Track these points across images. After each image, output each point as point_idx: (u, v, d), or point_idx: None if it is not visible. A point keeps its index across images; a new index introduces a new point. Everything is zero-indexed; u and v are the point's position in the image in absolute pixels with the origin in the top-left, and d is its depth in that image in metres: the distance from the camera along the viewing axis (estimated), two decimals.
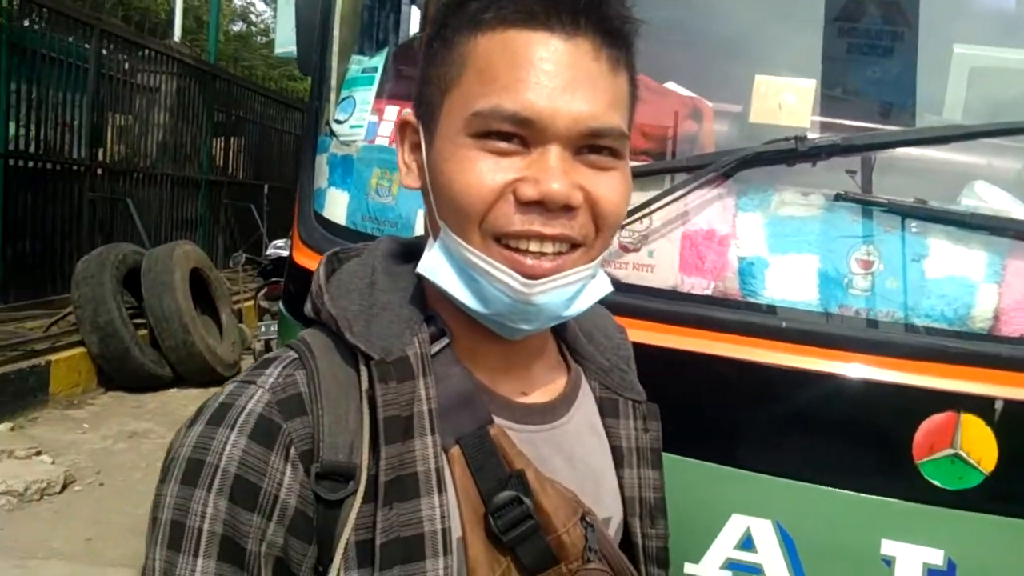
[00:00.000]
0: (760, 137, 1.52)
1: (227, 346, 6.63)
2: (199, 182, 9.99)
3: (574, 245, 0.71)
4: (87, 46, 7.41)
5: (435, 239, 0.75)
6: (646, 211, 1.47)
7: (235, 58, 19.91)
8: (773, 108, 1.57)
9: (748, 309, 1.48)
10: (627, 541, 0.88)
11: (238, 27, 26.69)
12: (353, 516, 0.68)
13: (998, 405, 1.37)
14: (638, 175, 1.55)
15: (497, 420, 0.76)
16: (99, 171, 7.87)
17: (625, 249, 1.56)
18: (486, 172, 0.68)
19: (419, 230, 1.71)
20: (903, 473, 1.39)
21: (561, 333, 0.89)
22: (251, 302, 7.32)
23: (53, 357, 5.52)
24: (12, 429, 4.89)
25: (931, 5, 1.82)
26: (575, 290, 0.73)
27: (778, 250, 1.49)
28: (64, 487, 4.16)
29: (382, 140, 1.81)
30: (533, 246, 0.70)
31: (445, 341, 0.76)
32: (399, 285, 0.78)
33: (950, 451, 1.38)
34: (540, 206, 0.68)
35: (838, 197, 1.49)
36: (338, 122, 1.88)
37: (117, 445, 4.90)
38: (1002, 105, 1.92)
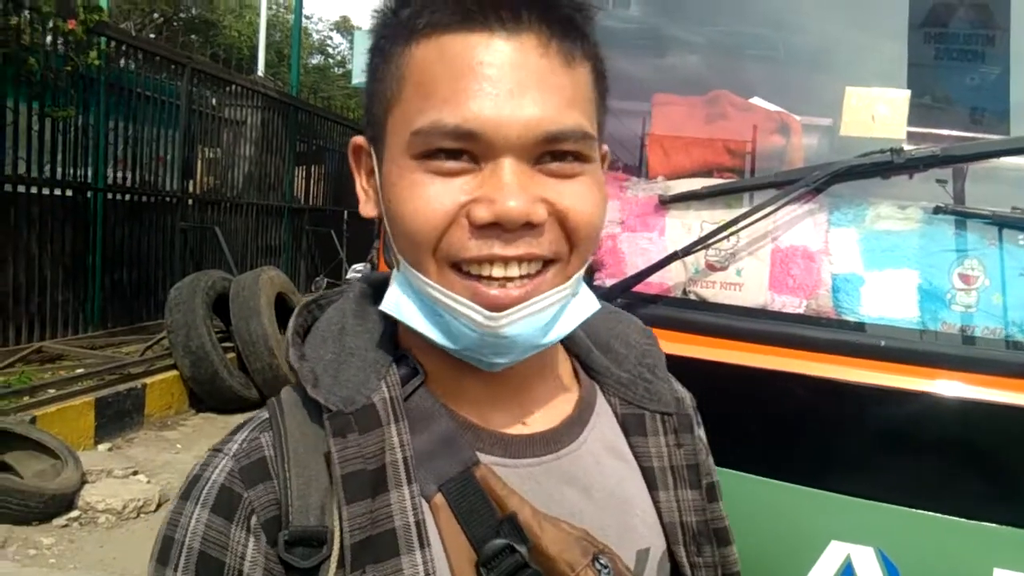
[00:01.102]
0: (851, 150, 1.48)
1: None
2: (282, 210, 10.35)
3: (547, 263, 0.64)
4: (179, 84, 7.80)
5: (397, 272, 0.69)
6: (735, 228, 1.45)
7: (314, 90, 20.61)
8: (865, 120, 1.52)
9: (843, 328, 1.44)
10: (676, 572, 0.78)
11: (316, 60, 27.63)
12: None
13: None
14: (727, 192, 1.54)
15: (485, 458, 0.69)
16: (190, 202, 8.24)
17: (712, 268, 1.54)
18: (434, 197, 0.62)
19: None
20: (1016, 498, 1.32)
21: (571, 348, 0.80)
22: None
23: (148, 380, 5.78)
24: (110, 449, 5.12)
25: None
26: (552, 314, 0.66)
27: (874, 266, 1.44)
28: (159, 505, 4.33)
29: None
30: (496, 271, 0.63)
31: (418, 381, 0.70)
32: (367, 327, 0.72)
33: None
34: (498, 228, 0.61)
35: (938, 210, 1.44)
36: None
37: None
38: None
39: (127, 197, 7.34)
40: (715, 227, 1.47)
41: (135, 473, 4.63)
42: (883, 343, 1.40)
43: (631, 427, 0.78)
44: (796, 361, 1.39)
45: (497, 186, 0.61)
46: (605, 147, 0.74)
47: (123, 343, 6.85)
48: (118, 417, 5.37)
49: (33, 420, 4.57)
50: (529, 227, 0.62)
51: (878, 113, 1.52)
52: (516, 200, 0.60)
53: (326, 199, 12.18)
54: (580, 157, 0.64)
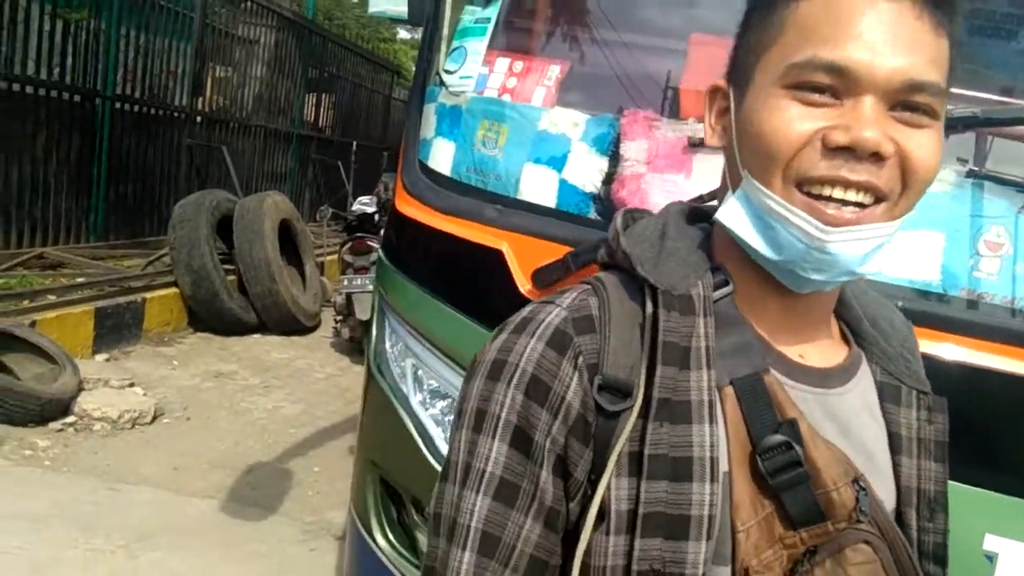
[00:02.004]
0: None
1: (309, 297, 6.81)
2: (290, 136, 10.23)
3: (878, 199, 0.71)
4: None
5: (733, 191, 0.78)
6: None
7: (329, 16, 20.19)
8: None
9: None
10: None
11: None
12: (628, 428, 0.73)
13: None
14: None
15: (774, 372, 0.77)
16: (198, 119, 8.14)
17: None
18: (795, 119, 0.70)
19: (523, 183, 1.70)
20: (1012, 467, 1.32)
21: (844, 315, 0.88)
22: (334, 256, 7.50)
23: (148, 295, 5.78)
24: (108, 360, 5.15)
25: None
26: (872, 246, 0.73)
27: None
28: (154, 418, 4.37)
29: (491, 92, 1.80)
30: (837, 192, 0.70)
31: (728, 289, 0.79)
32: (688, 236, 0.83)
33: None
34: (849, 152, 0.69)
35: (970, 174, 1.41)
36: (448, 72, 1.87)
37: (204, 383, 5.11)
38: None
39: (135, 108, 7.25)
40: None
41: (131, 385, 4.67)
42: (900, 304, 1.39)
43: (887, 394, 0.85)
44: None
45: (857, 117, 0.69)
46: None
47: (125, 256, 6.84)
48: (116, 329, 5.38)
49: (33, 324, 4.58)
50: (876, 158, 0.69)
51: None
52: (872, 131, 0.68)
53: (335, 129, 12.03)
54: (929, 112, 0.71)
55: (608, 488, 0.73)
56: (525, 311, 0.79)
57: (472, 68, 1.84)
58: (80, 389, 4.30)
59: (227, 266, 6.30)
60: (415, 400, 1.78)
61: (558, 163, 1.68)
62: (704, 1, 1.92)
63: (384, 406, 1.84)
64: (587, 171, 1.66)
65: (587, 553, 0.73)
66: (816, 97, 0.70)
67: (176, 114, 7.76)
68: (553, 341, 0.75)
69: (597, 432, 0.74)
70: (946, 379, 1.35)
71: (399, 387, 1.82)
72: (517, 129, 1.73)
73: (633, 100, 1.71)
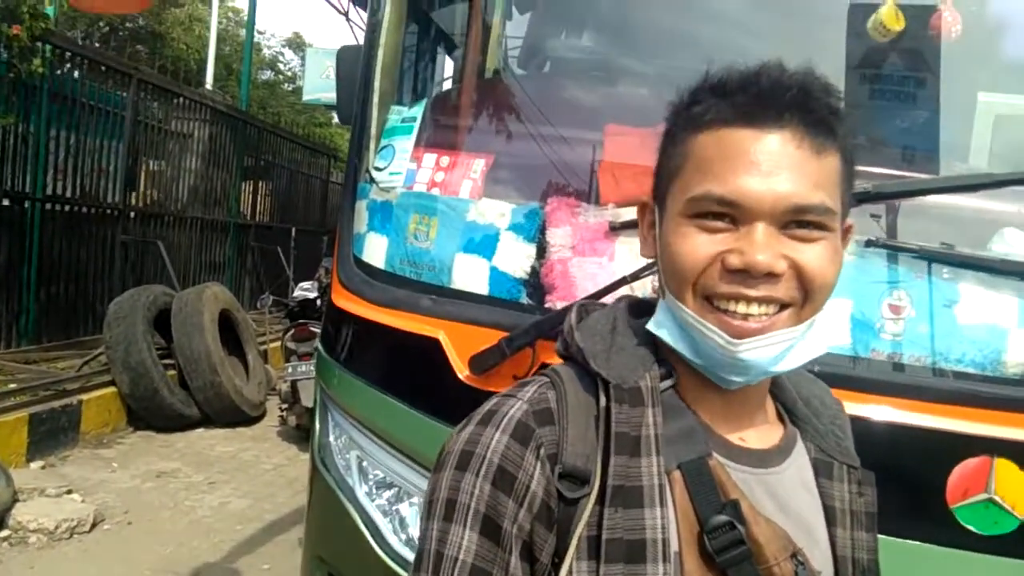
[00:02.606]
0: None
1: (253, 386, 6.69)
2: (228, 225, 10.18)
3: (783, 306, 0.79)
4: (124, 94, 7.65)
5: (662, 301, 0.88)
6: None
7: (263, 105, 20.37)
8: None
9: None
10: None
11: (266, 75, 27.35)
12: (587, 514, 0.79)
13: None
14: None
15: (715, 455, 0.83)
16: (132, 215, 8.06)
17: (657, 293, 1.60)
18: (700, 245, 0.80)
19: (456, 272, 1.76)
20: (937, 518, 1.39)
21: (779, 396, 0.95)
22: (277, 343, 7.41)
23: (84, 397, 5.61)
24: (43, 467, 4.95)
25: (955, 53, 1.86)
26: (782, 349, 0.81)
27: None
28: (93, 526, 4.20)
29: (420, 187, 1.88)
30: (740, 307, 0.79)
31: (672, 381, 0.87)
32: (636, 331, 0.89)
33: (984, 496, 1.39)
34: (745, 274, 0.78)
35: (869, 243, 1.52)
36: (378, 169, 1.95)
37: (145, 484, 4.94)
38: None
39: (66, 207, 7.16)
40: None
41: (69, 492, 4.49)
42: (816, 369, 1.47)
43: (821, 470, 0.92)
44: None
45: (750, 242, 0.77)
46: (850, 222, 0.88)
47: (59, 358, 6.64)
48: (52, 434, 5.20)
49: None
50: (770, 276, 0.78)
51: None
52: (763, 255, 0.77)
53: (273, 215, 12.03)
54: (820, 227, 0.79)
55: (570, 571, 0.78)
56: (489, 404, 0.86)
57: (400, 164, 1.92)
58: (14, 500, 4.11)
59: (166, 361, 6.17)
60: (361, 492, 1.79)
61: (488, 252, 1.75)
62: (617, 95, 2.05)
63: (330, 499, 1.84)
64: (516, 258, 1.73)
65: None
66: (715, 224, 0.79)
67: (109, 211, 7.68)
68: (516, 433, 0.81)
69: (559, 518, 0.80)
70: (862, 435, 1.44)
71: (344, 480, 1.83)
72: (447, 221, 1.80)
73: (556, 188, 1.81)
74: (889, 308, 1.50)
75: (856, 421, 1.40)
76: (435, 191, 1.86)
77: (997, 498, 1.39)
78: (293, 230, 9.80)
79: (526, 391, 0.85)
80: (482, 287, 1.73)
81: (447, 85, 2.45)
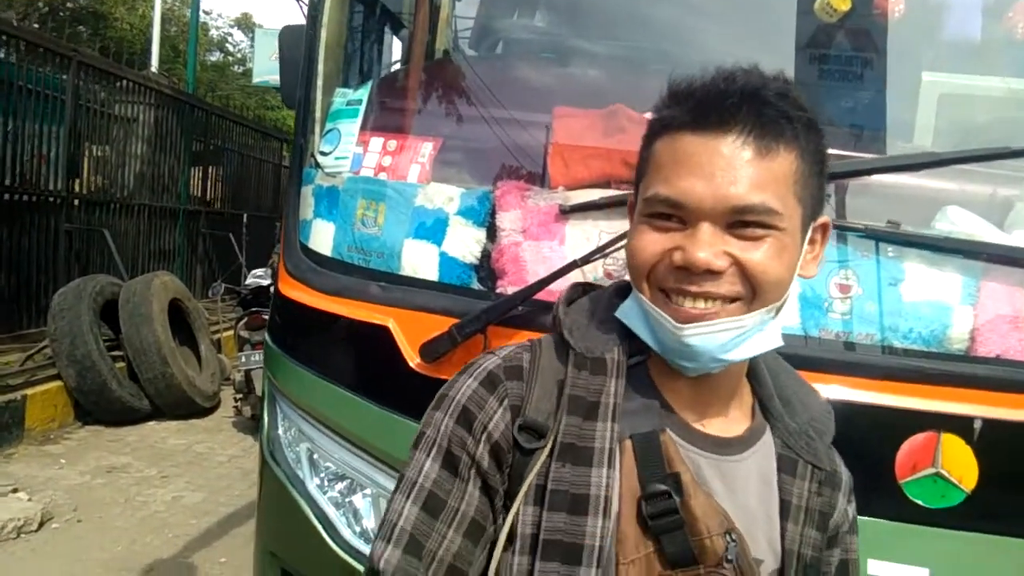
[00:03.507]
0: None
1: (206, 377, 6.57)
2: (177, 212, 9.93)
3: (733, 300, 0.85)
4: (64, 77, 7.38)
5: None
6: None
7: (212, 88, 19.89)
8: None
9: None
10: None
11: (215, 57, 26.72)
12: (538, 464, 0.86)
13: (977, 424, 1.40)
14: (624, 203, 1.59)
15: (670, 432, 0.89)
16: (76, 202, 7.81)
17: (610, 276, 1.58)
18: (650, 242, 0.86)
19: (404, 258, 1.72)
20: (887, 493, 1.42)
21: (757, 391, 0.99)
22: (230, 332, 7.28)
23: (29, 391, 5.44)
24: None
25: (900, 33, 1.87)
26: (730, 337, 0.86)
27: None
28: (41, 524, 4.08)
29: (367, 171, 1.83)
30: (686, 302, 0.85)
31: (642, 358, 0.93)
32: (615, 314, 0.95)
33: (932, 470, 1.41)
34: (687, 270, 0.83)
35: None
36: (323, 154, 1.90)
37: (95, 480, 4.82)
38: (971, 131, 1.97)
39: (5, 196, 6.90)
40: (613, 236, 1.52)
41: (14, 490, 4.35)
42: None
43: (784, 466, 0.96)
44: None
45: (693, 241, 0.83)
46: (826, 219, 0.93)
47: (2, 352, 6.42)
48: None
49: None
50: (710, 273, 0.83)
51: None
52: (704, 252, 0.82)
53: (225, 201, 11.78)
54: (764, 225, 0.83)
55: (518, 514, 0.86)
56: (475, 360, 0.95)
57: (346, 149, 1.87)
58: None
59: (115, 353, 6.02)
60: (312, 485, 1.75)
61: (437, 237, 1.71)
62: (568, 76, 2.03)
63: (280, 493, 1.80)
64: (466, 243, 1.70)
65: (497, 571, 0.86)
66: (665, 223, 0.86)
67: (51, 199, 7.42)
68: (485, 381, 0.91)
69: (514, 464, 0.88)
70: None
71: (295, 473, 1.79)
72: (395, 206, 1.76)
73: (505, 172, 1.78)
74: (837, 287, 1.51)
75: None
76: (382, 176, 1.82)
77: (944, 472, 1.41)
78: (245, 216, 9.59)
79: (505, 350, 0.95)
80: (432, 273, 1.70)
81: (395, 67, 2.40)
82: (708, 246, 0.82)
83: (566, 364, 0.91)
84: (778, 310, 0.90)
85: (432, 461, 0.89)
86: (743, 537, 0.87)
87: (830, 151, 1.72)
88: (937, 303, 1.48)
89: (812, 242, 0.92)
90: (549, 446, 0.86)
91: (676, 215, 0.85)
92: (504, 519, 0.87)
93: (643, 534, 0.85)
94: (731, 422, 0.95)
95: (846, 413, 1.45)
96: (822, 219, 0.92)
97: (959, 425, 1.40)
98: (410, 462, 0.91)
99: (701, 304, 0.84)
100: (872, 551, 1.42)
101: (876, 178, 1.62)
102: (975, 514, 1.40)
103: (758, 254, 0.83)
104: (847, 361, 1.48)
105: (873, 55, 1.94)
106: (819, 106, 1.89)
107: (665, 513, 0.84)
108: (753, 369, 0.99)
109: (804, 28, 1.89)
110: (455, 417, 0.90)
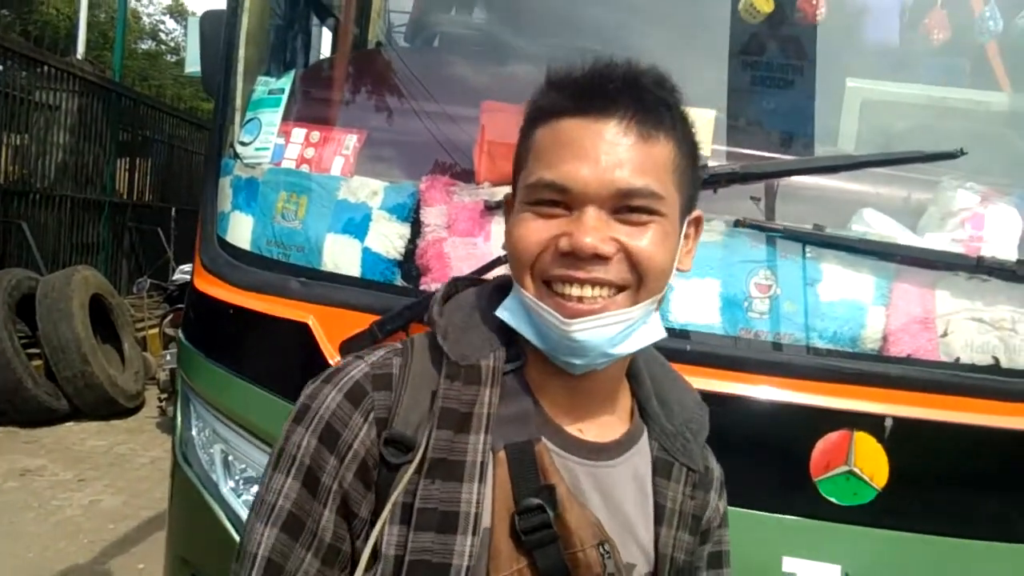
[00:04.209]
0: None
1: (129, 376, 6.35)
2: (102, 204, 9.57)
3: (619, 289, 0.83)
4: None
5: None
6: None
7: (143, 76, 19.26)
8: None
9: None
10: None
11: (147, 45, 25.91)
12: (404, 481, 0.82)
13: (888, 423, 1.43)
14: None
15: (545, 441, 0.86)
16: None
17: None
18: (534, 230, 0.83)
19: (326, 253, 1.68)
20: (801, 491, 1.43)
21: (636, 391, 0.98)
22: (156, 330, 7.05)
23: None
24: None
25: (827, 40, 1.91)
26: (618, 331, 0.84)
27: (681, 274, 1.52)
28: None
29: (288, 163, 1.78)
30: (574, 290, 0.82)
31: (518, 363, 0.89)
32: (494, 313, 0.91)
33: (845, 468, 1.43)
34: (574, 256, 0.80)
35: (737, 223, 1.54)
36: (243, 144, 1.83)
37: (7, 484, 4.60)
38: (892, 136, 2.02)
39: None
40: None
41: None
42: (688, 348, 1.48)
43: (660, 469, 0.95)
44: None
45: (578, 226, 0.80)
46: (699, 212, 0.92)
47: None
48: None
49: None
50: (599, 259, 0.80)
51: None
52: (591, 237, 0.80)
53: (153, 194, 11.41)
54: (649, 211, 0.82)
55: (382, 533, 0.81)
56: (341, 364, 0.89)
57: (267, 139, 1.81)
58: None
59: (31, 351, 5.77)
60: (226, 488, 1.69)
61: (360, 232, 1.67)
62: (500, 72, 2.00)
63: (192, 497, 1.73)
64: (389, 238, 1.66)
65: None
66: (549, 210, 0.83)
67: None
68: (351, 394, 0.84)
69: (379, 480, 0.83)
70: (740, 415, 1.46)
71: (208, 475, 1.72)
72: (317, 200, 1.71)
73: (431, 166, 1.75)
74: (756, 287, 1.52)
75: (724, 399, 1.45)
76: (304, 168, 1.76)
77: (856, 470, 1.43)
78: (174, 209, 9.31)
79: (374, 355, 0.89)
80: (354, 269, 1.66)
81: (322, 57, 2.34)
82: (595, 231, 0.80)
83: (440, 368, 0.87)
84: (659, 302, 0.89)
85: (292, 480, 0.83)
86: (616, 547, 0.87)
87: (756, 152, 1.77)
88: (852, 303, 1.51)
89: (687, 236, 0.92)
90: (417, 461, 0.82)
91: (561, 201, 0.82)
92: (367, 538, 0.82)
93: (516, 549, 0.83)
94: (609, 426, 0.93)
95: (764, 412, 1.48)
96: (696, 212, 0.92)
97: (871, 423, 1.43)
98: (268, 483, 0.84)
99: (588, 291, 0.82)
100: (786, 548, 1.44)
101: (796, 180, 1.64)
102: (886, 511, 1.42)
103: (644, 240, 0.82)
104: (765, 360, 1.49)
105: (798, 60, 1.97)
106: (744, 109, 1.93)
107: (538, 528, 0.82)
108: (632, 369, 0.97)
109: (733, 31, 1.91)
110: (317, 435, 0.83)
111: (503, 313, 0.89)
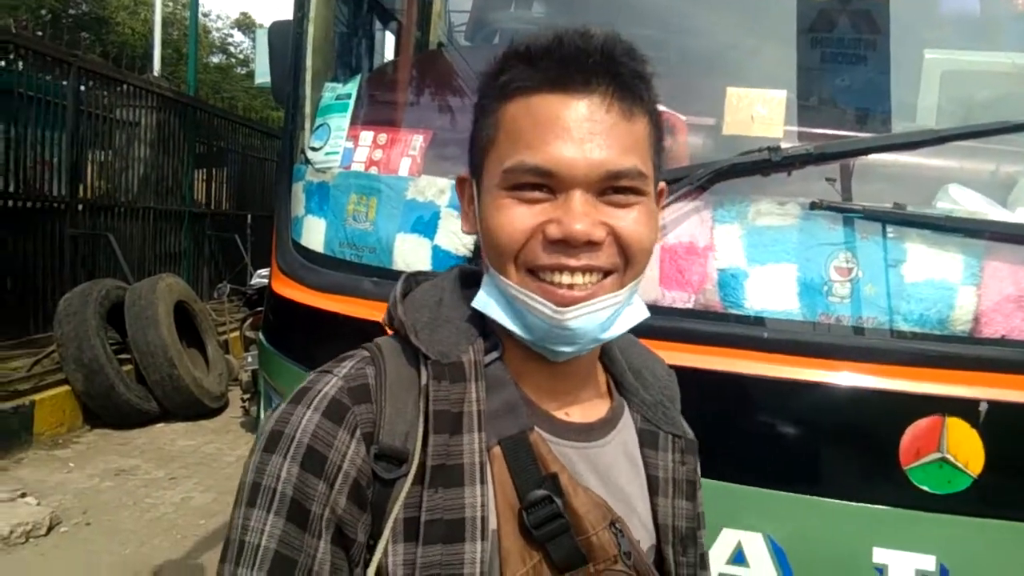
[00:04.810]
0: (734, 149, 1.52)
1: (214, 378, 6.57)
2: (182, 214, 9.95)
3: (606, 273, 0.79)
4: (65, 83, 7.39)
5: (487, 276, 0.85)
6: None
7: (215, 89, 19.93)
8: (746, 120, 1.57)
9: (730, 321, 1.48)
10: (660, 568, 0.91)
11: (217, 59, 26.76)
12: (403, 495, 0.76)
13: (982, 407, 1.36)
14: None
15: (538, 430, 0.83)
16: (80, 207, 7.82)
17: None
18: (517, 217, 0.78)
19: (397, 253, 1.70)
20: (891, 479, 1.38)
21: (610, 368, 0.95)
22: (237, 333, 7.28)
23: (37, 397, 5.45)
24: None
25: (901, 12, 1.83)
26: (608, 315, 0.80)
27: (757, 260, 1.49)
28: (50, 529, 4.09)
29: (358, 166, 1.81)
30: (564, 278, 0.78)
31: (496, 354, 0.85)
32: (463, 304, 0.87)
33: (937, 455, 1.38)
34: (565, 243, 0.76)
35: (814, 205, 1.50)
36: (313, 149, 1.88)
37: (104, 483, 4.83)
38: (974, 107, 1.93)
39: (9, 203, 6.92)
40: None
41: (23, 495, 4.36)
42: (766, 335, 1.45)
43: (646, 441, 0.93)
44: (685, 355, 1.42)
45: (568, 211, 0.76)
46: (663, 184, 0.88)
47: (8, 358, 6.43)
48: (4, 436, 5.05)
49: None
50: (590, 244, 0.77)
51: (757, 113, 1.57)
52: (582, 223, 0.76)
53: (229, 203, 11.79)
54: (636, 191, 0.79)
55: (385, 554, 0.75)
56: (304, 381, 0.82)
57: (337, 144, 1.85)
58: None
59: (122, 356, 6.03)
60: None
61: (429, 230, 1.69)
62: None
63: None
64: (458, 235, 1.68)
65: None
66: (532, 195, 0.78)
67: (55, 205, 7.44)
68: (329, 411, 0.77)
69: (374, 499, 0.77)
70: (819, 402, 1.42)
71: None
72: (386, 201, 1.74)
73: None
74: (837, 270, 1.48)
75: (806, 386, 1.41)
76: (373, 170, 1.80)
77: (950, 457, 1.38)
78: (249, 216, 9.61)
79: (343, 367, 0.82)
80: (425, 267, 1.68)
81: (385, 60, 2.37)
82: (584, 216, 0.76)
83: (417, 369, 0.81)
84: (639, 281, 0.85)
85: (274, 516, 0.74)
86: (626, 524, 0.85)
87: (833, 132, 1.71)
88: (940, 284, 1.45)
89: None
90: (414, 472, 0.76)
91: (545, 185, 0.77)
92: (369, 562, 0.76)
93: (527, 545, 0.79)
94: (592, 406, 0.90)
95: (850, 399, 1.43)
96: (661, 184, 0.88)
97: (964, 408, 1.37)
98: (244, 522, 0.75)
99: (579, 278, 0.78)
100: (878, 539, 1.40)
101: (876, 158, 1.59)
102: (982, 499, 1.36)
103: (632, 222, 0.79)
104: (849, 346, 1.45)
105: (874, 35, 1.90)
106: (820, 87, 1.87)
107: (549, 519, 0.78)
108: (604, 346, 0.92)
109: (803, 9, 1.86)
110: (299, 461, 0.75)
111: (481, 305, 0.84)
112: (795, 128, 1.67)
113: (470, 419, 0.79)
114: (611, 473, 0.87)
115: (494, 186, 0.79)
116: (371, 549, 0.76)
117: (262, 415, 1.92)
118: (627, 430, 0.92)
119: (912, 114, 1.99)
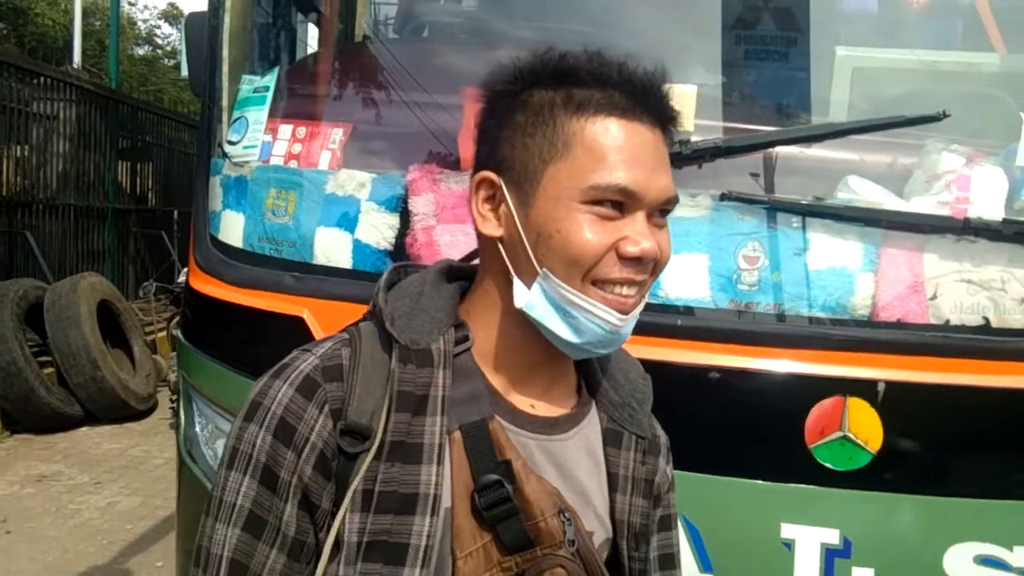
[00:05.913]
0: None
1: (141, 379, 6.40)
2: (105, 211, 9.61)
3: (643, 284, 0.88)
4: None
5: (529, 279, 0.87)
6: None
7: (142, 82, 19.28)
8: None
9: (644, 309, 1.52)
10: (616, 562, 0.97)
11: (144, 50, 25.91)
12: (364, 468, 0.83)
13: (880, 387, 1.44)
14: None
15: (499, 419, 0.88)
16: None
17: None
18: (597, 233, 0.83)
19: (317, 247, 1.69)
20: (798, 458, 1.45)
21: (582, 367, 0.99)
22: (164, 332, 7.10)
23: None
24: None
25: (814, 9, 1.90)
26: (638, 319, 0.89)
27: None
28: None
29: (277, 159, 1.79)
30: (627, 291, 0.85)
31: (467, 346, 0.91)
32: (440, 296, 0.93)
33: (839, 434, 1.45)
34: (636, 260, 0.84)
35: (723, 197, 1.55)
36: (231, 143, 1.85)
37: (24, 490, 4.66)
38: (885, 102, 2.01)
39: None
40: None
41: None
42: (678, 322, 1.50)
43: (610, 439, 0.98)
44: None
45: (641, 232, 0.84)
46: None
47: None
48: None
49: None
50: (650, 260, 0.85)
51: None
52: (650, 243, 0.84)
53: (155, 198, 11.45)
54: (668, 213, 0.88)
55: (343, 522, 0.82)
56: (287, 358, 0.88)
57: (255, 137, 1.82)
58: None
59: (42, 358, 5.82)
60: None
61: (350, 224, 1.69)
62: (487, 59, 2.00)
63: (199, 492, 1.76)
64: (379, 229, 1.68)
65: None
66: (609, 211, 0.84)
67: None
68: (303, 387, 0.85)
69: (338, 471, 0.84)
70: (734, 387, 1.47)
71: (213, 471, 1.75)
72: (306, 194, 1.72)
73: (418, 156, 1.76)
74: (744, 259, 1.53)
75: (716, 371, 1.46)
76: (292, 163, 1.78)
77: (851, 435, 1.45)
78: (176, 212, 9.35)
79: (321, 347, 0.89)
80: (346, 261, 1.67)
81: (305, 51, 2.35)
82: (649, 236, 0.84)
83: (390, 355, 0.87)
84: None
85: (249, 478, 0.83)
86: (576, 514, 0.89)
87: (744, 126, 1.77)
88: (840, 271, 1.51)
89: None
90: (375, 448, 0.83)
91: (620, 203, 0.84)
92: (329, 528, 0.83)
93: (479, 526, 0.85)
94: (558, 401, 0.95)
95: (757, 382, 1.49)
96: None
97: (864, 389, 1.44)
98: (224, 483, 0.84)
99: (634, 291, 0.86)
100: (784, 515, 1.46)
101: (780, 151, 1.64)
102: (881, 474, 1.44)
103: (666, 240, 0.88)
104: (757, 331, 1.51)
105: (788, 32, 1.96)
106: (733, 81, 1.92)
107: (498, 503, 0.84)
108: None
109: (717, 6, 1.91)
110: (272, 430, 0.83)
111: (526, 305, 0.87)
112: (712, 122, 1.71)
113: (434, 403, 0.85)
114: (569, 466, 0.92)
115: (568, 197, 0.84)
116: (334, 516, 0.83)
117: (182, 415, 1.89)
118: (591, 428, 0.97)
119: (825, 109, 2.06)
